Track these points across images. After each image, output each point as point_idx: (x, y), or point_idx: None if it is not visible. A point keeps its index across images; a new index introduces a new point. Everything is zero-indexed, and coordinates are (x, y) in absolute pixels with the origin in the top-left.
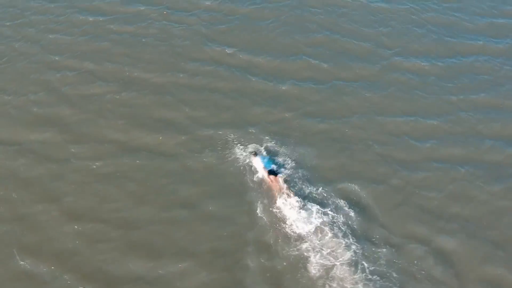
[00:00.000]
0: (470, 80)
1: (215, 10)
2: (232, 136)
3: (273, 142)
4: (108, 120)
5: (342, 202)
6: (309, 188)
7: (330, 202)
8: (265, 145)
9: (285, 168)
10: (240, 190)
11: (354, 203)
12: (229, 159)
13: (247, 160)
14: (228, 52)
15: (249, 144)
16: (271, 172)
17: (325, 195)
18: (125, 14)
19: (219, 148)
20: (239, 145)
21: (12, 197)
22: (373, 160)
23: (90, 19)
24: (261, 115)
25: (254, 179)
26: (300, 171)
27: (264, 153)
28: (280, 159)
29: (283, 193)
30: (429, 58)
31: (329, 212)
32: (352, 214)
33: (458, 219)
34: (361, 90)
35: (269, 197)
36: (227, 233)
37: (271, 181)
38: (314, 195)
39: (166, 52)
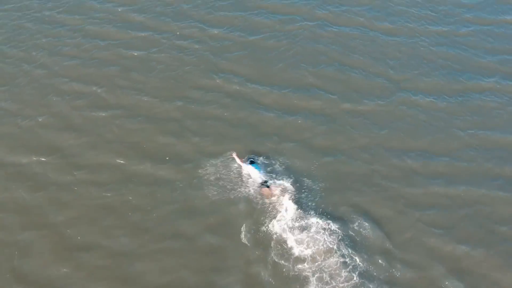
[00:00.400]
0: (481, 118)
1: (225, 38)
2: (236, 166)
3: (278, 173)
4: (113, 145)
5: (346, 234)
6: (313, 217)
7: (333, 231)
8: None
9: (290, 199)
10: (240, 220)
11: (359, 237)
12: (231, 189)
13: (250, 189)
14: (236, 81)
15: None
16: (265, 182)
17: (329, 225)
18: (135, 40)
19: (222, 178)
20: (243, 175)
21: (9, 221)
22: (380, 196)
23: (101, 43)
24: (267, 145)
25: (253, 205)
26: (305, 201)
27: (260, 162)
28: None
29: (277, 201)
30: (439, 93)
31: (333, 237)
32: (357, 245)
33: (468, 260)
34: (368, 124)
35: (268, 217)
36: (226, 265)
37: (266, 191)
38: (318, 224)
39: (175, 78)
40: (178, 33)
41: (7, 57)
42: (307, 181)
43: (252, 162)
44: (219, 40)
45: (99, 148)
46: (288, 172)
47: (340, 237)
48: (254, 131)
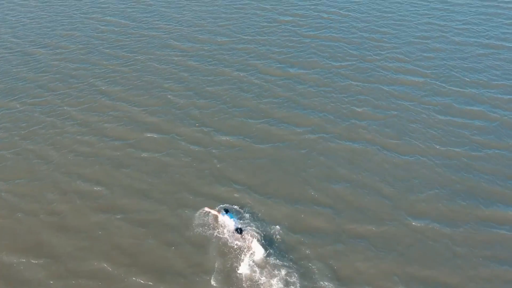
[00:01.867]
0: (492, 252)
1: (235, 145)
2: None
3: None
4: (107, 255)
5: None
6: None
7: None
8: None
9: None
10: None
11: None
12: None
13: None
14: (238, 191)
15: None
16: (239, 230)
17: None
18: (145, 141)
19: None
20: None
21: None
22: None
23: (113, 143)
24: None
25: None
26: None
27: (234, 211)
28: None
29: (250, 251)
30: (445, 220)
31: None
32: None
33: None
34: (371, 248)
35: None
36: None
37: (239, 239)
38: None
39: (182, 184)
40: (197, 125)
41: (22, 151)
42: None
43: (226, 211)
44: (228, 147)
45: (94, 253)
46: None
47: None
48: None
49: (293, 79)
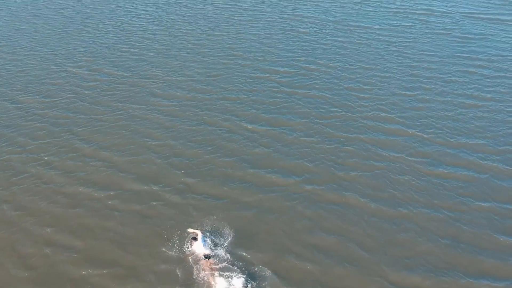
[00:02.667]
0: None
1: (219, 199)
2: None
3: None
4: None
5: None
6: None
7: None
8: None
9: None
10: None
11: None
12: None
13: None
14: (220, 245)
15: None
16: (206, 257)
17: None
18: (125, 194)
19: None
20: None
21: None
22: None
23: (94, 193)
24: None
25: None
26: None
27: (203, 238)
28: None
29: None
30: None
31: None
32: None
33: None
34: None
35: None
36: None
37: (206, 265)
38: None
39: (161, 238)
40: (183, 171)
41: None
42: None
43: (195, 239)
44: (211, 200)
45: None
46: None
47: None
48: None
49: (276, 135)
